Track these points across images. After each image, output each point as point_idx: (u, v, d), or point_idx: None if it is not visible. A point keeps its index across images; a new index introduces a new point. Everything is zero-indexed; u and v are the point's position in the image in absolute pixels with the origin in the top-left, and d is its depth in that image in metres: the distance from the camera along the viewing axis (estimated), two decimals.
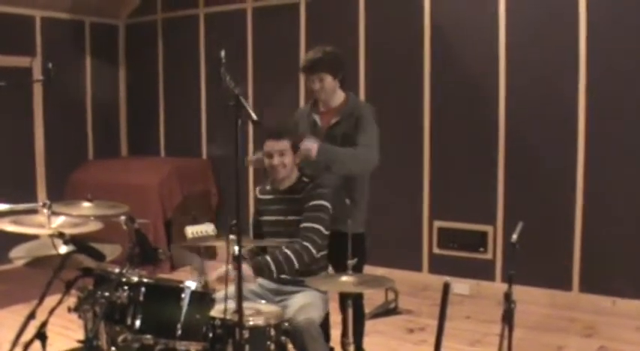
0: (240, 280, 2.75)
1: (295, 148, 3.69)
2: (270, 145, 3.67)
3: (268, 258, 3.47)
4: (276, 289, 3.68)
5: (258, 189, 3.94)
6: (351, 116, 3.99)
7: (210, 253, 6.41)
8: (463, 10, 6.02)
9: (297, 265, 3.48)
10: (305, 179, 3.74)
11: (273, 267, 3.44)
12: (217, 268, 3.41)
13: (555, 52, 5.58)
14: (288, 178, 3.72)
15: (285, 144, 3.64)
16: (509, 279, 3.00)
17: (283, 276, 3.56)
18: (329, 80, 3.99)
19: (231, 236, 3.01)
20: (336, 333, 3.81)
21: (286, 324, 3.22)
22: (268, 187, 3.85)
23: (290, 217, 3.66)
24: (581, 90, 5.47)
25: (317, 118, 4.12)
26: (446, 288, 3.14)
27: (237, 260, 2.78)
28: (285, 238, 3.59)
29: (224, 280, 3.15)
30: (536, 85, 5.69)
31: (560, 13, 5.54)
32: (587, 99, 5.46)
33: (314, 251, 3.53)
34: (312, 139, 3.80)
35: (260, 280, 3.69)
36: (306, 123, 4.14)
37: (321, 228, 3.58)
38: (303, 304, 3.44)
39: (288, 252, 3.47)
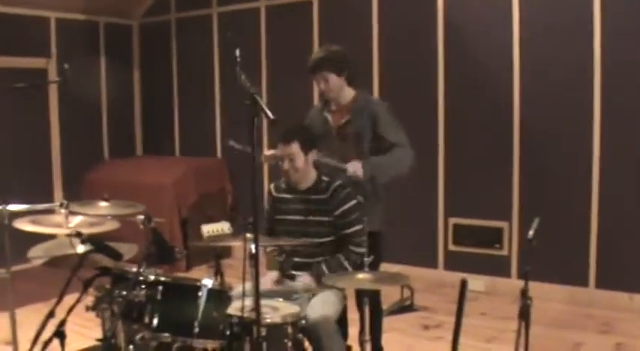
0: (257, 278, 2.76)
1: (306, 148, 3.65)
2: (280, 149, 3.67)
3: (324, 267, 3.57)
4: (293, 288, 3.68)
5: (272, 186, 3.91)
6: (363, 114, 3.99)
7: (226, 252, 6.43)
8: (477, 6, 6.00)
9: (350, 270, 3.57)
10: (325, 178, 3.74)
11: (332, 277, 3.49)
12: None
13: (570, 47, 5.55)
14: (305, 179, 3.72)
15: (294, 148, 3.62)
16: (525, 275, 2.99)
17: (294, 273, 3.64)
18: (333, 79, 4.00)
19: (248, 234, 3.02)
20: (354, 331, 3.82)
21: (303, 321, 3.22)
22: (284, 186, 3.84)
23: (311, 218, 3.67)
24: (596, 86, 5.44)
25: (328, 116, 4.12)
26: (463, 285, 3.14)
27: (254, 259, 2.79)
28: (305, 237, 3.60)
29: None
30: (551, 81, 5.67)
31: (574, 6, 5.51)
32: (602, 95, 5.43)
33: (362, 251, 3.57)
34: (355, 162, 3.83)
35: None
36: (318, 121, 4.15)
37: (361, 226, 3.64)
38: (319, 301, 3.45)
39: (342, 259, 3.61)
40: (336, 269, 3.55)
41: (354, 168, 3.80)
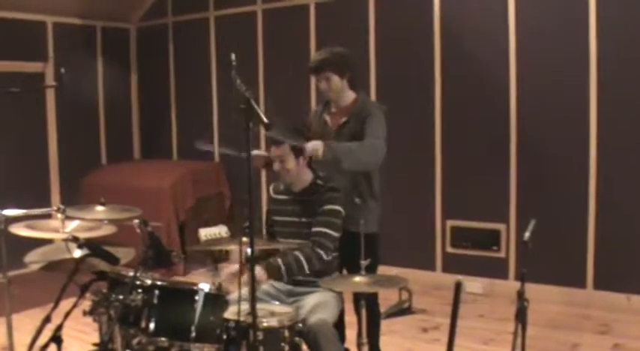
0: (253, 281, 2.76)
1: (296, 151, 3.64)
2: (271, 151, 3.69)
3: (280, 260, 3.48)
4: (290, 290, 3.69)
5: (272, 187, 3.93)
6: (360, 116, 3.99)
7: (223, 255, 6.43)
8: (473, 9, 6.01)
9: (307, 269, 3.51)
10: (319, 182, 3.73)
11: (283, 270, 3.47)
12: (229, 267, 3.43)
13: (566, 50, 5.56)
14: (301, 181, 3.72)
15: (284, 150, 3.62)
16: (521, 277, 2.99)
17: (296, 277, 3.59)
18: (335, 80, 4.01)
19: (244, 238, 3.02)
20: (351, 333, 3.82)
21: (300, 325, 3.22)
22: (282, 187, 3.85)
23: (304, 219, 3.67)
24: (592, 87, 5.45)
25: (328, 118, 4.13)
26: (458, 287, 3.13)
27: (250, 262, 2.79)
28: (297, 239, 3.61)
29: (236, 278, 3.17)
30: (548, 82, 5.68)
31: (570, 9, 5.52)
32: (598, 95, 5.44)
33: (324, 256, 3.55)
34: (315, 141, 3.75)
35: (273, 281, 3.72)
36: (318, 123, 4.16)
37: (332, 232, 3.60)
38: (316, 304, 3.45)
39: (300, 256, 3.50)
40: (292, 265, 3.48)
41: (314, 146, 3.70)
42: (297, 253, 3.51)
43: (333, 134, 4.03)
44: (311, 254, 3.51)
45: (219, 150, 3.96)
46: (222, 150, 3.97)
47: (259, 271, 3.39)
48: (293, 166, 3.65)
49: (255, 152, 4.10)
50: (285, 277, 3.50)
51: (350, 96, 4.11)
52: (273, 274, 3.46)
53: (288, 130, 3.73)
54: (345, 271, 3.92)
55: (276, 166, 3.66)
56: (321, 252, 3.54)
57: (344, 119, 4.03)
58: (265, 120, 2.70)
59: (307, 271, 3.51)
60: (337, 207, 3.64)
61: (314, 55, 4.19)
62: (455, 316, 3.10)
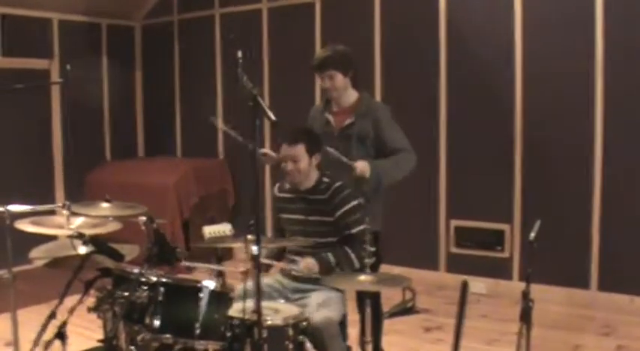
0: (259, 279, 2.76)
1: (311, 151, 3.66)
2: (285, 149, 3.69)
3: (330, 255, 3.55)
4: (295, 287, 3.70)
5: (277, 187, 3.94)
6: (366, 117, 3.99)
7: (228, 254, 6.44)
8: (479, 8, 6.01)
9: (356, 265, 3.56)
10: (325, 179, 3.74)
11: (333, 262, 3.55)
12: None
13: (572, 49, 5.55)
14: (307, 180, 3.72)
15: (299, 149, 3.63)
16: (527, 277, 2.99)
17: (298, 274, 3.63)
18: (339, 78, 4.01)
19: (249, 236, 3.02)
20: (353, 332, 3.81)
21: (304, 323, 3.22)
22: (287, 186, 3.85)
23: (311, 218, 3.68)
24: (598, 87, 5.44)
25: (330, 117, 4.12)
26: (464, 286, 3.13)
27: (256, 260, 2.79)
28: (305, 237, 3.61)
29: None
30: (553, 83, 5.67)
31: (575, 5, 5.52)
32: (604, 96, 5.43)
33: (371, 249, 3.57)
34: (363, 161, 3.81)
35: (279, 277, 3.73)
36: (319, 122, 4.15)
37: (364, 227, 3.57)
38: (322, 302, 3.45)
39: (350, 252, 3.58)
40: (342, 259, 3.56)
41: (362, 167, 3.78)
42: (347, 249, 3.58)
43: (337, 134, 4.03)
44: (360, 252, 3.53)
45: (226, 129, 3.95)
46: (230, 131, 3.95)
47: (312, 261, 3.49)
48: (305, 166, 3.65)
49: (265, 151, 4.11)
50: (334, 270, 3.53)
51: (352, 95, 4.11)
52: (324, 266, 3.50)
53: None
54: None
55: (289, 165, 3.66)
56: (367, 247, 3.56)
57: (349, 120, 4.02)
58: (272, 117, 2.69)
59: (356, 267, 3.55)
60: (355, 202, 3.68)
61: (317, 52, 4.19)
62: (461, 315, 3.10)
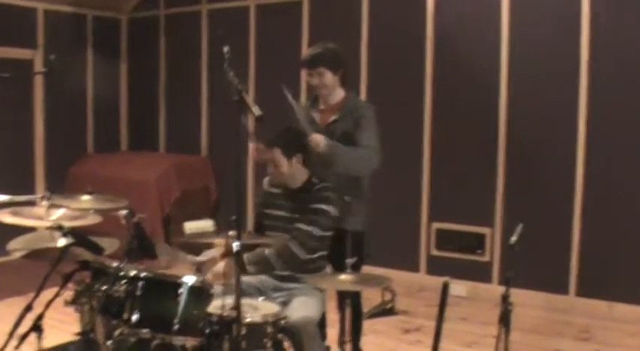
0: (238, 276, 2.75)
1: (288, 153, 3.62)
2: (263, 152, 3.71)
3: (246, 258, 3.46)
4: (276, 285, 3.67)
5: (267, 180, 3.89)
6: (351, 115, 3.99)
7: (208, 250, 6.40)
8: (466, 10, 6.02)
9: (277, 267, 3.52)
10: (315, 180, 3.71)
11: (253, 270, 3.48)
12: (214, 266, 3.42)
13: (557, 55, 5.59)
14: (294, 180, 3.70)
15: (275, 153, 3.62)
16: (506, 281, 3.00)
17: (279, 273, 3.61)
18: (328, 76, 4.00)
19: (230, 232, 3.00)
20: (332, 332, 3.81)
21: (283, 321, 3.21)
22: (276, 181, 3.82)
23: (295, 215, 3.64)
24: (582, 93, 5.48)
25: (316, 115, 4.12)
26: (445, 287, 3.14)
27: (236, 256, 2.77)
28: (287, 234, 3.57)
29: (221, 276, 3.17)
30: (538, 87, 5.70)
31: (562, 13, 5.55)
32: (588, 101, 5.47)
33: (299, 253, 3.52)
34: (321, 135, 3.80)
35: (261, 276, 3.71)
36: (305, 119, 4.13)
37: (314, 230, 3.56)
38: (301, 302, 3.44)
39: (269, 256, 3.50)
40: (259, 263, 3.51)
41: (318, 139, 3.76)
42: (267, 250, 3.50)
43: (322, 131, 4.02)
44: (283, 251, 3.49)
45: (283, 89, 3.91)
46: (286, 91, 3.92)
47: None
48: (286, 169, 3.63)
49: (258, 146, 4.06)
50: (252, 272, 3.50)
51: (340, 94, 4.10)
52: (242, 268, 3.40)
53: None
54: (328, 269, 3.91)
55: (271, 168, 3.66)
56: (296, 249, 3.51)
57: (334, 117, 4.02)
58: (257, 112, 2.68)
59: (278, 269, 3.52)
60: (326, 206, 3.59)
61: (307, 49, 4.18)
62: (441, 315, 3.10)
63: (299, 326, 3.25)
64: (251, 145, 3.96)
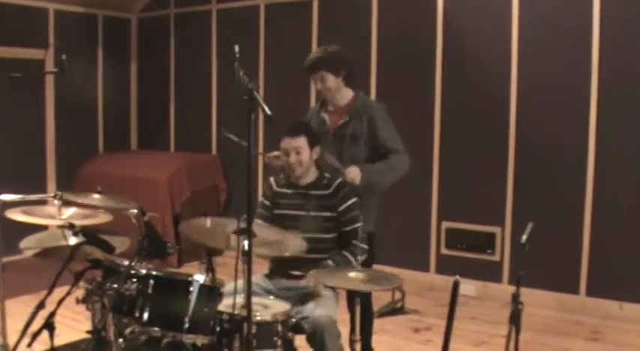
0: (249, 274, 2.74)
1: (312, 144, 3.69)
2: (287, 142, 3.69)
3: (331, 263, 3.55)
4: (287, 285, 3.69)
5: (273, 180, 3.89)
6: (361, 116, 4.00)
7: (218, 249, 6.40)
8: (476, 9, 6.01)
9: (354, 263, 3.62)
10: (326, 175, 3.77)
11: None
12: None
13: (568, 55, 5.56)
14: (307, 175, 3.74)
15: (301, 141, 3.66)
16: (517, 280, 2.99)
17: (295, 272, 3.66)
18: (330, 79, 4.01)
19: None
20: (342, 331, 3.80)
21: (293, 320, 3.22)
22: (284, 181, 3.84)
23: (312, 213, 3.69)
24: (592, 93, 5.45)
25: (325, 117, 4.13)
26: (455, 286, 3.13)
27: (247, 255, 2.77)
28: (305, 233, 3.54)
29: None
30: (548, 86, 5.68)
31: (573, 14, 5.52)
32: (598, 100, 5.44)
33: (366, 246, 3.69)
34: (354, 168, 3.84)
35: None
36: (316, 121, 4.15)
37: (360, 224, 3.71)
38: (322, 300, 3.46)
39: (350, 257, 3.63)
40: (342, 264, 3.56)
41: (353, 174, 3.81)
42: (345, 253, 3.63)
43: (332, 133, 4.03)
44: (355, 250, 3.63)
45: (223, 133, 3.93)
46: (227, 134, 3.93)
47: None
48: (307, 158, 3.68)
49: (273, 153, 4.06)
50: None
51: (347, 94, 4.11)
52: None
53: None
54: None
55: (292, 158, 3.67)
56: (362, 245, 3.68)
57: (344, 119, 4.03)
58: (268, 111, 2.69)
59: (355, 265, 3.61)
60: (355, 199, 3.74)
61: (310, 54, 4.19)
62: (452, 314, 3.09)
63: (322, 324, 3.25)
64: (274, 153, 3.98)
